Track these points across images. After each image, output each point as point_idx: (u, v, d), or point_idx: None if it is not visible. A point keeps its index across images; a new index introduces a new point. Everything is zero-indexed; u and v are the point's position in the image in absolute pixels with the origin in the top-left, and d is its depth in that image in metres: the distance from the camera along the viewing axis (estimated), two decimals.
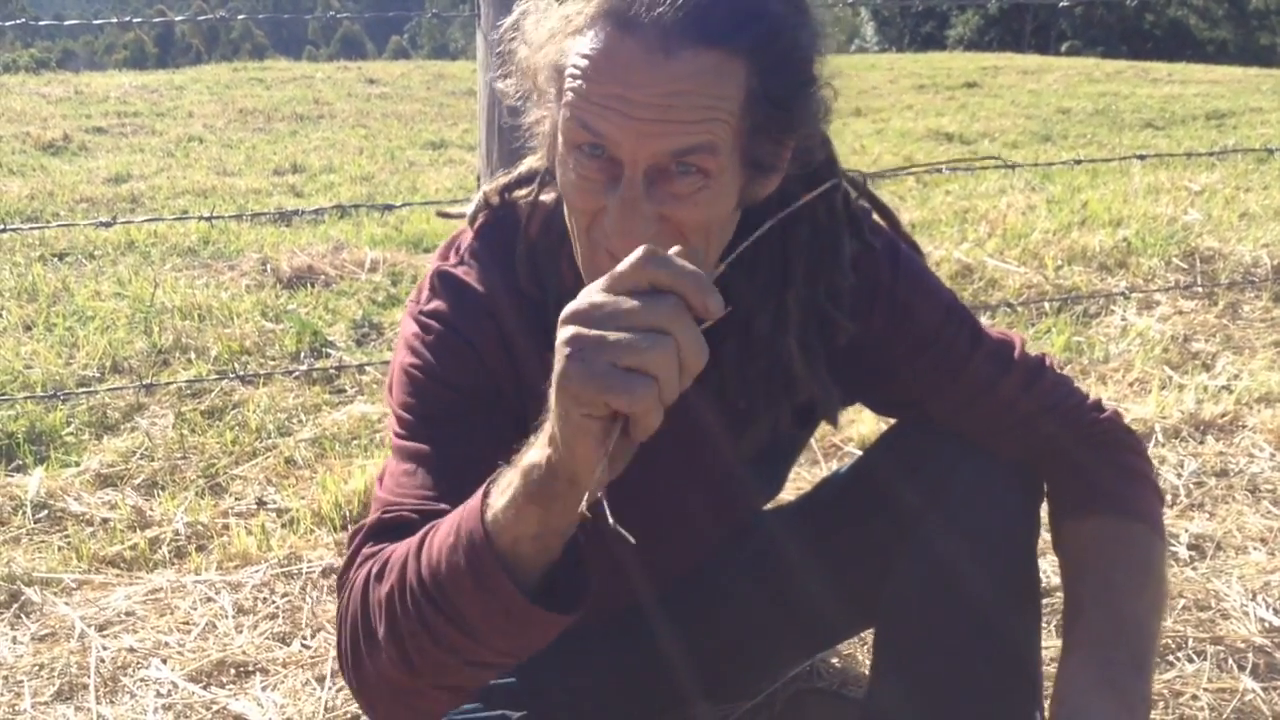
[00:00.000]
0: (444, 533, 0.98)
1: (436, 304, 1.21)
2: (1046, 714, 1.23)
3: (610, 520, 0.83)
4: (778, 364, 1.23)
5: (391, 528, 1.10)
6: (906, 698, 1.32)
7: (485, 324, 1.20)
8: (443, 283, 1.23)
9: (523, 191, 1.26)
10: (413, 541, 1.02)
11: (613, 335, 0.81)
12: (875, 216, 1.33)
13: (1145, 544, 1.30)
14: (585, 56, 0.99)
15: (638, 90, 0.97)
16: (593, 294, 0.84)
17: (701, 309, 0.81)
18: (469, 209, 1.30)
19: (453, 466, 1.13)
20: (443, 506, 1.08)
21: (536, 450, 0.90)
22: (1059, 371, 1.37)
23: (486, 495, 0.95)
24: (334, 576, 2.22)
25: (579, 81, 1.00)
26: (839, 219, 1.23)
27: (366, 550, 1.09)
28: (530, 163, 1.27)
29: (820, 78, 1.07)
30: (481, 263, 1.23)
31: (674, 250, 0.84)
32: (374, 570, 1.05)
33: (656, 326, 0.81)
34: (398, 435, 1.19)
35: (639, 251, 0.83)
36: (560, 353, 0.83)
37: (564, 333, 0.83)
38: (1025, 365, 1.34)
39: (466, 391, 1.18)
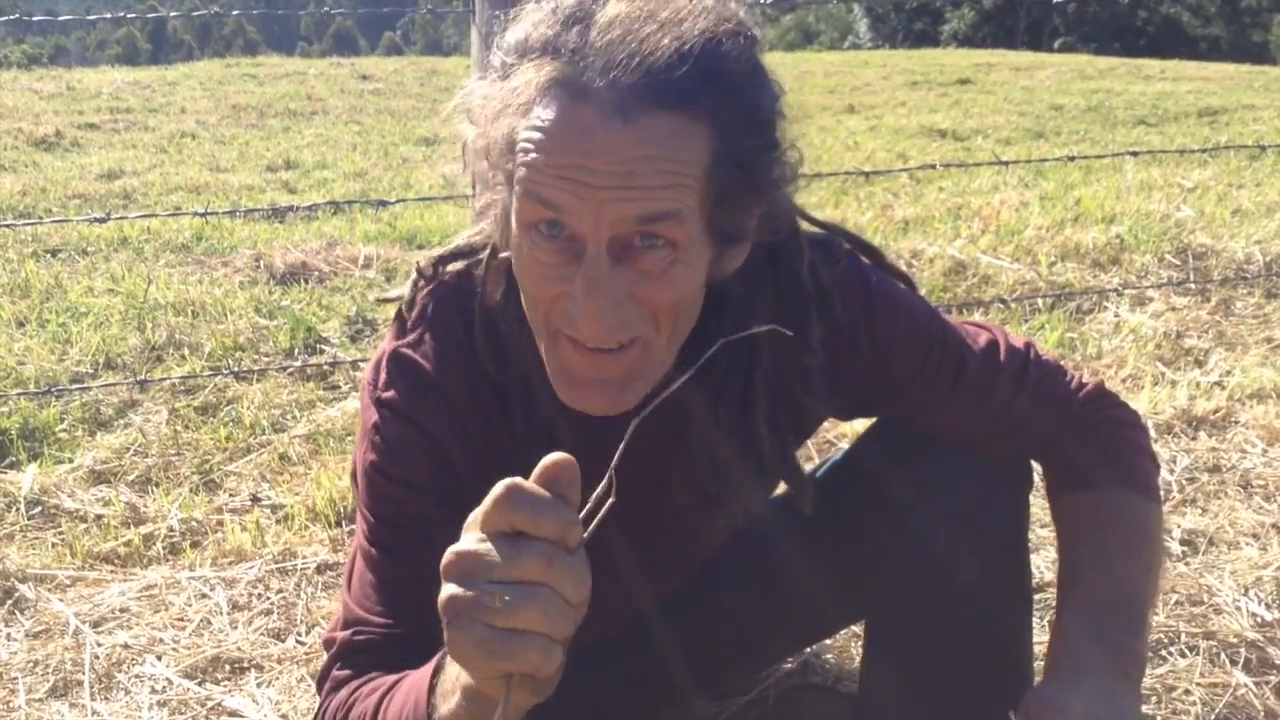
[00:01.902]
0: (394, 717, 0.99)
1: (391, 393, 1.17)
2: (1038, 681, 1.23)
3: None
4: (747, 447, 1.19)
5: (360, 649, 1.13)
6: (897, 688, 1.32)
7: (441, 411, 1.16)
8: (397, 367, 1.18)
9: (459, 264, 1.21)
10: (366, 712, 1.04)
11: (485, 594, 0.75)
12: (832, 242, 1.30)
13: (1140, 510, 1.30)
14: (538, 129, 0.95)
15: (597, 159, 0.92)
16: (465, 540, 0.78)
17: (567, 548, 0.75)
18: (404, 289, 1.24)
19: (415, 580, 1.10)
20: (400, 633, 1.12)
21: (466, 674, 0.85)
22: (1044, 358, 1.36)
23: (431, 693, 0.92)
24: (329, 573, 2.23)
25: (532, 154, 0.95)
26: (806, 294, 1.19)
27: (336, 674, 1.13)
28: (469, 237, 1.22)
29: (783, 142, 1.03)
30: (437, 338, 1.18)
31: (546, 463, 0.77)
32: (339, 718, 1.09)
33: (524, 580, 0.75)
34: (364, 535, 1.18)
35: (499, 488, 0.76)
36: (442, 614, 0.78)
37: (444, 590, 0.78)
38: (1011, 366, 1.32)
39: (427, 491, 1.15)
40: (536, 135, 0.95)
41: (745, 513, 1.29)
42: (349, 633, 1.14)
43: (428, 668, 0.95)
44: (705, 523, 1.29)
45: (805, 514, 1.47)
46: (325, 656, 1.17)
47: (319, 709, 1.14)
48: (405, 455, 1.15)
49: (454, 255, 1.22)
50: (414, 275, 1.24)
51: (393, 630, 1.12)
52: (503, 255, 1.14)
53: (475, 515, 0.78)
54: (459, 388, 1.16)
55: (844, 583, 1.45)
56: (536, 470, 0.78)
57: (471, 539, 0.78)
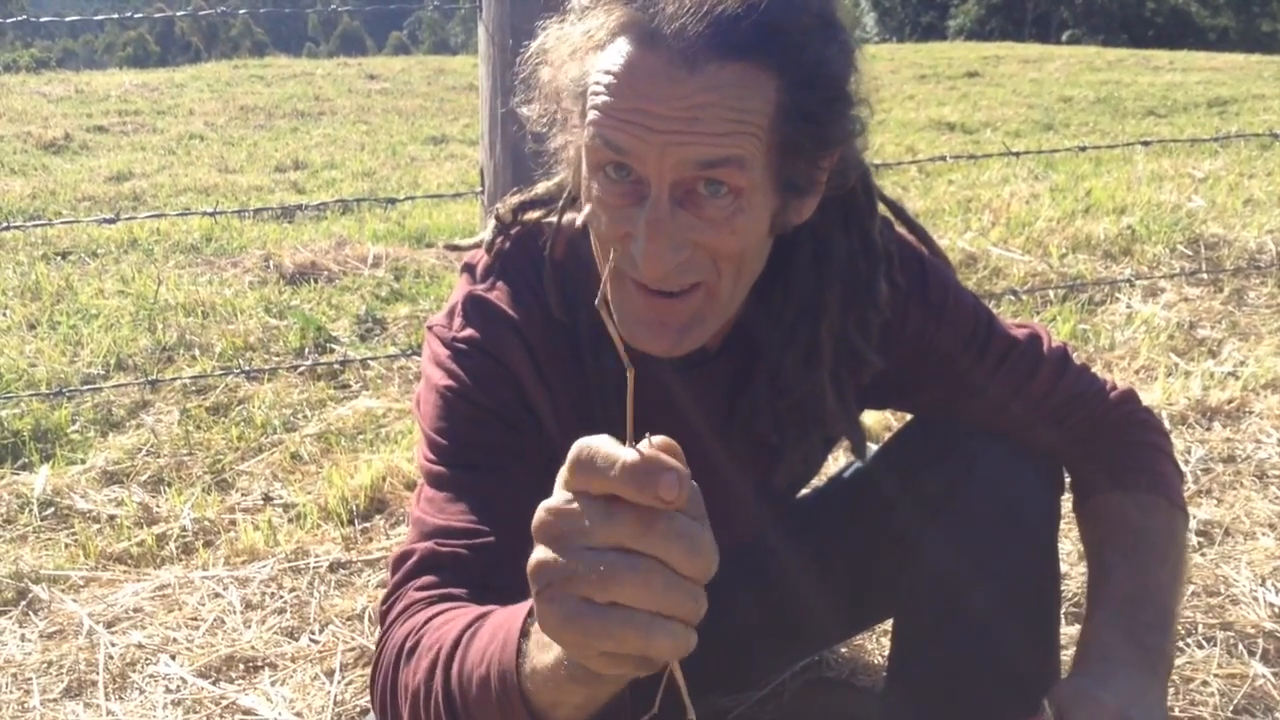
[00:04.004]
0: (476, 658, 0.88)
1: (470, 331, 1.17)
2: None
3: (690, 712, 0.70)
4: (809, 399, 1.21)
5: (444, 564, 1.05)
6: (930, 677, 1.31)
7: (518, 348, 1.17)
8: (474, 308, 1.19)
9: (536, 213, 1.23)
10: (444, 641, 0.93)
11: (579, 561, 0.66)
12: (900, 228, 1.32)
13: (1167, 516, 1.30)
14: (607, 72, 0.97)
15: (660, 104, 0.95)
16: (557, 497, 0.69)
17: (653, 501, 0.64)
18: (483, 234, 1.27)
19: (492, 495, 1.09)
20: (491, 541, 1.04)
21: None
22: (1077, 360, 1.38)
23: (524, 635, 0.82)
24: (341, 571, 2.22)
25: (601, 98, 0.97)
26: (877, 253, 1.21)
27: (412, 594, 1.03)
28: (547, 185, 1.24)
29: (854, 96, 1.05)
30: (511, 284, 1.20)
31: (652, 444, 0.65)
32: (408, 646, 0.98)
33: (617, 546, 0.65)
34: (432, 460, 1.14)
35: (572, 449, 0.67)
36: (531, 581, 0.69)
37: (534, 553, 0.69)
38: (1053, 359, 1.34)
39: (501, 414, 1.15)
40: (605, 79, 0.97)
41: (805, 462, 1.31)
42: (430, 543, 1.06)
43: (523, 605, 0.84)
44: (762, 476, 1.32)
45: (829, 514, 1.47)
46: (393, 575, 1.07)
47: (381, 636, 1.03)
48: (484, 382, 1.15)
49: (533, 203, 1.24)
50: (493, 222, 1.25)
51: (482, 538, 1.05)
52: (567, 219, 1.17)
53: (562, 472, 0.69)
54: (534, 329, 1.17)
55: (870, 585, 1.44)
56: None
57: (562, 497, 0.68)
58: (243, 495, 2.56)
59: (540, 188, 1.25)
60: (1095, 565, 1.32)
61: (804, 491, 1.61)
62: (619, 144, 0.97)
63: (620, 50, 0.97)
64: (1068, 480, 1.41)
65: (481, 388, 1.15)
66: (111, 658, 1.95)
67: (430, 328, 1.22)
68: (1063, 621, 1.84)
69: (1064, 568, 2.05)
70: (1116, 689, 1.13)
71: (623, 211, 1.01)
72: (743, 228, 1.01)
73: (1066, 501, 1.40)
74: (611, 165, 0.99)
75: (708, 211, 0.99)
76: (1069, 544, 2.11)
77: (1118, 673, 1.15)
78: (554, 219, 1.21)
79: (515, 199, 1.26)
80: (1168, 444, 1.37)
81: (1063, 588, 1.98)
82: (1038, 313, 3.68)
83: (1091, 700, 1.11)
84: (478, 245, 1.28)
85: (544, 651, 0.78)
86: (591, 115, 0.99)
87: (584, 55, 1.00)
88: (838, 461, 1.62)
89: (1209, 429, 2.77)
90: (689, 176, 0.97)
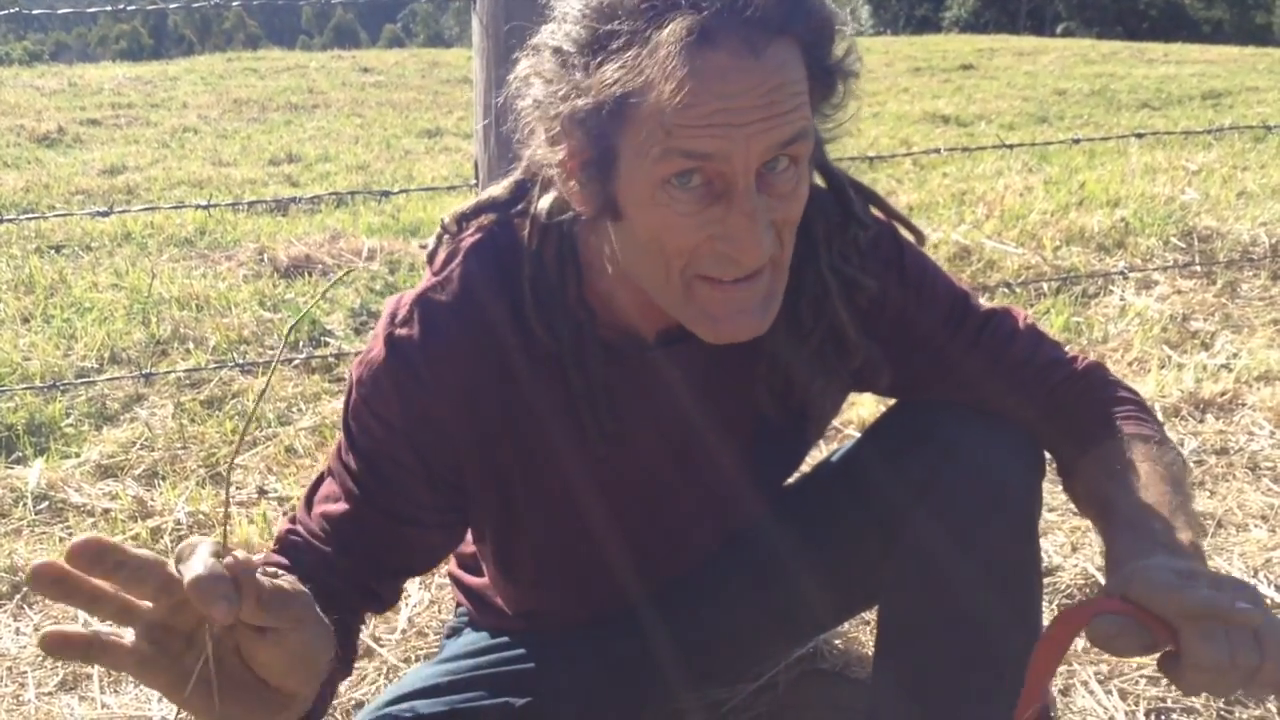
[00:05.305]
0: None
1: (407, 330, 1.16)
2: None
3: None
4: (830, 336, 1.24)
5: (288, 547, 1.19)
6: (916, 658, 1.32)
7: (448, 366, 1.16)
8: (422, 310, 1.17)
9: (483, 219, 1.21)
10: None
11: None
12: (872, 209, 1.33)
13: (1171, 449, 1.26)
14: (674, 88, 0.94)
15: (739, 98, 0.95)
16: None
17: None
18: (429, 243, 1.25)
19: (357, 515, 1.18)
20: (329, 550, 1.17)
21: None
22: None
23: None
24: None
25: (671, 112, 0.95)
26: (839, 178, 1.23)
27: (270, 556, 1.17)
28: (492, 191, 1.22)
29: (847, 37, 1.07)
30: (478, 284, 1.18)
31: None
32: None
33: None
34: (339, 446, 1.22)
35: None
36: None
37: None
38: (1027, 331, 1.35)
39: (402, 435, 1.17)
40: (673, 93, 0.94)
41: (831, 411, 1.36)
42: (286, 529, 1.22)
43: None
44: (751, 457, 1.34)
45: (815, 501, 1.47)
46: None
47: None
48: (397, 404, 1.16)
49: (477, 210, 1.23)
50: (439, 230, 1.25)
51: (320, 546, 1.18)
52: (541, 208, 1.15)
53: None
54: (484, 344, 1.17)
55: (855, 572, 1.44)
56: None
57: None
58: (237, 489, 2.56)
59: (483, 195, 1.23)
60: (1103, 504, 1.23)
61: (790, 482, 1.61)
62: (702, 151, 0.96)
63: (681, 61, 0.94)
64: (1053, 471, 1.40)
65: (388, 400, 1.17)
66: None
67: (391, 314, 1.20)
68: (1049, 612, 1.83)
69: (1057, 560, 2.07)
70: (1161, 559, 1.03)
71: (697, 217, 1.01)
72: (803, 193, 1.04)
73: (1051, 494, 1.40)
74: (675, 175, 0.99)
75: (779, 187, 1.01)
76: (1061, 535, 2.12)
77: (1156, 554, 1.05)
78: (523, 221, 1.19)
79: (460, 208, 1.24)
80: (1141, 399, 1.36)
81: (1049, 580, 2.00)
82: (1031, 305, 3.69)
83: (1149, 571, 0.98)
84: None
85: None
86: (663, 132, 0.96)
87: (632, 75, 0.97)
88: (825, 452, 1.61)
89: (1201, 421, 2.78)
90: (768, 159, 0.99)
